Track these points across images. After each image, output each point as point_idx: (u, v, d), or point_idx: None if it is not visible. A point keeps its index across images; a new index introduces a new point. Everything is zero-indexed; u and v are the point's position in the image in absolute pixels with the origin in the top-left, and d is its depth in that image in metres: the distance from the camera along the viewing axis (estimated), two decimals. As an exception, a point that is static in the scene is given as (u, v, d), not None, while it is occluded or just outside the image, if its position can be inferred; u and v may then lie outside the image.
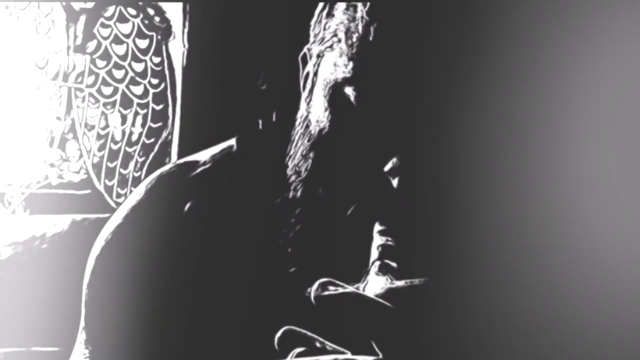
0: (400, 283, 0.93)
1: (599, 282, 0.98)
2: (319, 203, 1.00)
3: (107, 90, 1.29)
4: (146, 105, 1.29)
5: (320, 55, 1.02)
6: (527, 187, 0.98)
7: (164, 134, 1.29)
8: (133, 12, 1.29)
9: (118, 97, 1.29)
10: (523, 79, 0.98)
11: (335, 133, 1.00)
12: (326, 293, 0.88)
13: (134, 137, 1.29)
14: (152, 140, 1.29)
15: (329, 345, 0.90)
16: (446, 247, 0.96)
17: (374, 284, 0.94)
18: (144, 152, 1.29)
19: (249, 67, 1.17)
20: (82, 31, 1.28)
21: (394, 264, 0.95)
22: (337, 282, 0.89)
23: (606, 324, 0.98)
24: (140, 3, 1.29)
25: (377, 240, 0.96)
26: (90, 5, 1.28)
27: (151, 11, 1.29)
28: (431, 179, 0.97)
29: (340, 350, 0.89)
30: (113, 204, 1.28)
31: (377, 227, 0.97)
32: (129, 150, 1.29)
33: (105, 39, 1.28)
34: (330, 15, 1.02)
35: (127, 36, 1.29)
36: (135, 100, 1.29)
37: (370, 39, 0.97)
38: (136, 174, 1.29)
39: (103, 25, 1.28)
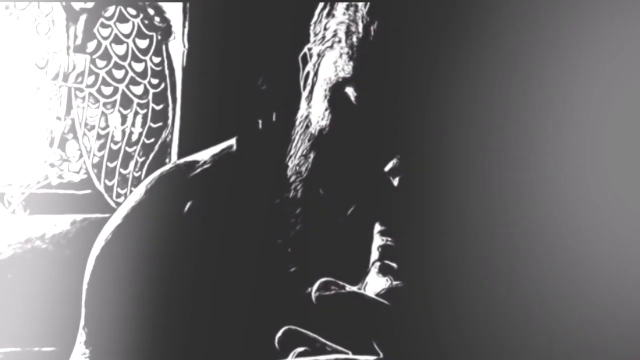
0: (398, 283, 0.93)
1: (600, 282, 0.98)
2: (319, 203, 1.00)
3: (107, 90, 1.29)
4: (146, 105, 1.29)
5: (320, 55, 1.02)
6: (527, 187, 0.98)
7: (164, 134, 1.29)
8: (133, 12, 1.29)
9: (118, 97, 1.29)
10: (524, 78, 0.98)
11: (336, 133, 1.00)
12: (327, 293, 0.88)
13: (134, 137, 1.29)
14: (152, 140, 1.29)
15: (330, 345, 0.90)
16: (447, 247, 0.96)
17: (375, 284, 0.94)
18: (144, 152, 1.29)
19: (249, 67, 1.17)
20: (82, 31, 1.28)
21: (394, 265, 0.95)
22: (338, 281, 0.89)
23: (605, 324, 0.98)
24: (140, 3, 1.29)
25: (378, 240, 0.96)
26: (90, 5, 1.28)
27: (151, 11, 1.30)
28: (432, 179, 0.97)
29: (341, 350, 0.89)
30: (113, 204, 1.29)
31: (378, 227, 0.97)
32: (129, 150, 1.29)
33: (105, 39, 1.28)
34: (330, 15, 1.02)
35: (127, 36, 1.29)
36: (135, 100, 1.29)
37: (371, 38, 0.97)
38: (136, 174, 1.29)
39: (103, 25, 1.28)
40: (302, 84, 1.06)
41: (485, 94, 0.97)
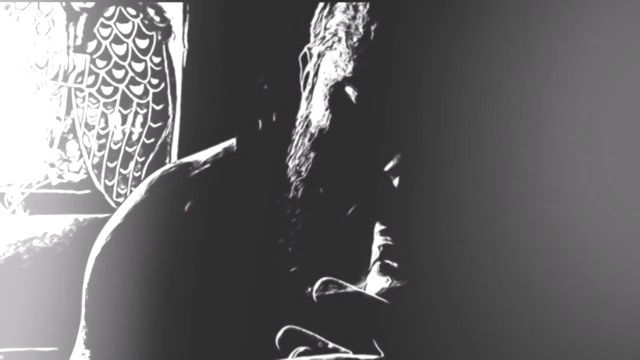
0: (398, 283, 0.93)
1: (599, 282, 0.98)
2: (320, 203, 1.00)
3: (107, 90, 1.29)
4: (146, 105, 1.29)
5: (320, 55, 1.02)
6: (527, 187, 0.98)
7: (164, 134, 1.29)
8: (133, 12, 1.29)
9: (118, 97, 1.29)
10: (524, 78, 0.98)
11: (336, 133, 1.00)
12: (328, 292, 0.88)
13: (134, 137, 1.29)
14: (152, 140, 1.29)
15: (331, 344, 0.90)
16: (447, 246, 0.96)
17: (375, 284, 0.94)
18: (144, 152, 1.29)
19: (249, 67, 1.17)
20: (82, 31, 1.28)
21: (394, 264, 0.95)
22: (339, 281, 0.89)
23: (606, 324, 0.98)
24: (140, 3, 1.29)
25: (378, 240, 0.96)
26: (90, 5, 1.28)
27: (151, 11, 1.29)
28: (432, 178, 0.97)
29: (341, 349, 0.89)
30: (113, 204, 1.28)
31: (378, 226, 0.97)
32: (129, 150, 1.29)
33: (105, 39, 1.28)
34: (330, 15, 1.02)
35: (127, 36, 1.29)
36: (135, 100, 1.29)
37: (371, 38, 0.97)
38: (136, 174, 1.29)
39: (103, 25, 1.28)
40: (302, 84, 1.06)
41: (486, 93, 0.97)
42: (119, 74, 1.29)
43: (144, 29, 1.29)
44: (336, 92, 0.99)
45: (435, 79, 0.97)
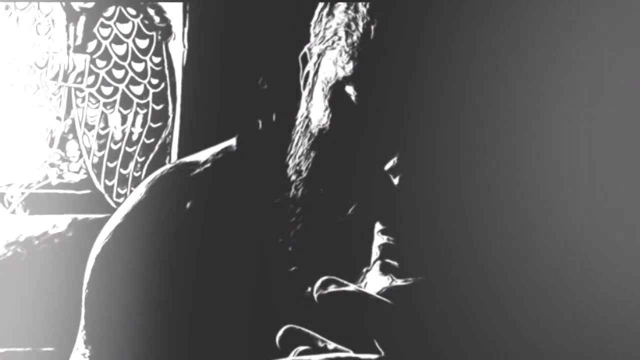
0: (399, 282, 0.93)
1: (599, 282, 0.98)
2: (320, 202, 1.00)
3: (107, 90, 1.29)
4: (146, 105, 1.29)
5: (320, 55, 1.02)
6: (527, 186, 0.98)
7: (164, 134, 1.29)
8: (133, 12, 1.29)
9: (118, 97, 1.29)
10: (524, 78, 0.98)
11: (336, 132, 1.00)
12: (328, 291, 0.88)
13: (134, 137, 1.29)
14: (152, 140, 1.29)
15: (331, 343, 0.90)
16: (447, 245, 0.96)
17: (376, 283, 0.94)
18: (144, 152, 1.29)
19: (249, 67, 1.17)
20: (82, 31, 1.28)
21: (395, 263, 0.95)
22: (340, 280, 0.89)
23: (607, 324, 0.98)
24: (141, 3, 1.29)
25: (378, 239, 0.96)
26: (90, 5, 1.28)
27: (151, 11, 1.30)
28: (432, 177, 0.97)
29: (342, 348, 0.89)
30: (113, 204, 1.29)
31: (378, 226, 0.97)
32: (129, 150, 1.29)
33: (105, 39, 1.28)
34: (330, 14, 1.02)
35: (127, 36, 1.29)
36: (135, 100, 1.29)
37: (371, 38, 0.97)
38: (136, 174, 1.29)
39: (103, 25, 1.28)
40: (302, 83, 1.06)
41: (486, 92, 0.97)
42: (119, 74, 1.29)
43: (144, 29, 1.29)
44: (336, 92, 0.99)
45: (436, 78, 0.97)
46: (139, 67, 1.29)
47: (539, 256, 0.97)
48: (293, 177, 1.02)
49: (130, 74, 1.29)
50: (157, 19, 1.29)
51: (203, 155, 1.12)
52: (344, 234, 0.98)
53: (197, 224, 1.07)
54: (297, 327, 0.90)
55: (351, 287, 0.89)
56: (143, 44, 1.30)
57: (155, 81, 1.29)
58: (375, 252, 0.96)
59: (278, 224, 1.02)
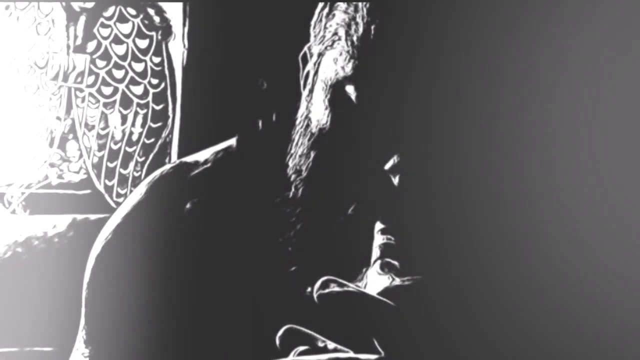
0: (399, 281, 0.93)
1: (599, 282, 0.98)
2: (320, 202, 1.00)
3: (107, 90, 1.29)
4: (146, 105, 1.29)
5: (320, 55, 1.02)
6: (527, 185, 0.98)
7: (164, 134, 1.29)
8: (133, 12, 1.29)
9: (118, 97, 1.29)
10: (524, 77, 0.98)
11: (336, 132, 1.00)
12: (328, 291, 0.88)
13: (134, 137, 1.29)
14: (152, 140, 1.29)
15: (331, 343, 0.90)
16: (447, 245, 0.96)
17: (376, 283, 0.94)
18: (144, 152, 1.29)
19: (249, 67, 1.17)
20: (82, 31, 1.28)
21: (395, 263, 0.95)
22: (340, 280, 0.89)
23: (607, 324, 0.98)
24: (141, 3, 1.29)
25: (378, 239, 0.96)
26: (90, 5, 1.28)
27: (151, 11, 1.30)
28: (432, 177, 0.97)
29: (342, 348, 0.89)
30: (113, 204, 1.29)
31: (378, 225, 0.97)
32: (129, 150, 1.29)
33: (105, 39, 1.28)
34: (330, 14, 1.02)
35: (127, 36, 1.29)
36: (135, 100, 1.29)
37: (371, 37, 0.97)
38: (136, 174, 1.29)
39: (103, 25, 1.28)
40: (302, 83, 1.06)
41: (487, 92, 0.97)
42: (119, 74, 1.29)
43: (144, 29, 1.29)
44: (336, 91, 0.99)
45: (436, 77, 0.97)
46: (139, 67, 1.29)
47: (539, 256, 0.97)
48: (293, 177, 1.02)
49: (130, 74, 1.29)
50: (157, 19, 1.29)
51: (203, 155, 1.12)
52: (344, 234, 0.98)
53: (197, 224, 1.07)
54: (297, 327, 0.90)
55: (351, 287, 0.89)
56: (143, 44, 1.30)
57: (155, 81, 1.29)
58: (376, 252, 0.96)
59: (278, 224, 1.02)
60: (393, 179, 0.96)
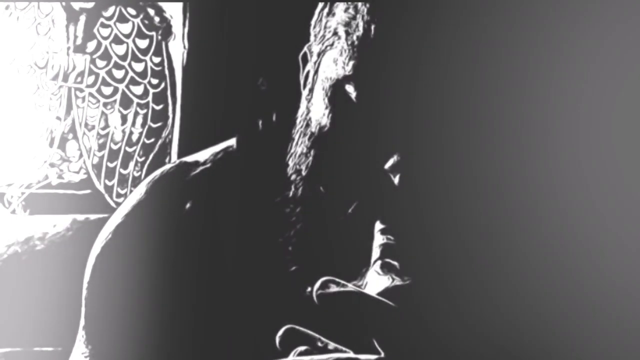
0: (400, 282, 0.93)
1: (599, 282, 0.98)
2: (320, 201, 1.00)
3: (107, 90, 1.29)
4: (146, 105, 1.29)
5: (320, 54, 1.02)
6: (527, 185, 0.98)
7: (164, 134, 1.29)
8: (133, 12, 1.29)
9: (118, 97, 1.29)
10: (524, 77, 0.98)
11: (336, 131, 1.00)
12: (328, 291, 0.88)
13: (134, 137, 1.29)
14: (152, 140, 1.29)
15: (331, 344, 0.90)
16: (447, 244, 0.96)
17: (376, 283, 0.94)
18: (144, 152, 1.29)
19: (249, 67, 1.17)
20: (82, 31, 1.28)
21: (395, 263, 0.95)
22: (340, 280, 0.89)
23: (607, 324, 0.98)
24: (141, 3, 1.29)
25: (378, 238, 0.96)
26: (90, 5, 1.28)
27: (151, 11, 1.30)
28: (432, 176, 0.97)
29: (342, 349, 0.89)
30: (113, 204, 1.28)
31: (378, 225, 0.97)
32: (129, 150, 1.29)
33: (105, 39, 1.28)
34: (330, 14, 1.02)
35: (127, 36, 1.29)
36: (135, 100, 1.29)
37: (371, 37, 0.98)
38: (136, 174, 1.29)
39: (103, 25, 1.28)
40: (302, 82, 1.06)
41: (486, 92, 0.97)
42: (119, 74, 1.29)
43: (144, 29, 1.29)
44: (336, 91, 0.99)
45: (436, 77, 0.97)
46: (139, 67, 1.29)
47: (540, 256, 0.97)
48: (293, 177, 1.02)
49: (130, 74, 1.29)
50: (157, 19, 1.29)
51: (203, 155, 1.12)
52: (344, 234, 0.98)
53: (197, 224, 1.07)
54: (297, 327, 0.90)
55: (351, 287, 0.89)
56: (143, 44, 1.29)
57: (155, 81, 1.29)
58: (376, 252, 0.96)
59: (278, 224, 1.02)
60: (393, 178, 0.96)
